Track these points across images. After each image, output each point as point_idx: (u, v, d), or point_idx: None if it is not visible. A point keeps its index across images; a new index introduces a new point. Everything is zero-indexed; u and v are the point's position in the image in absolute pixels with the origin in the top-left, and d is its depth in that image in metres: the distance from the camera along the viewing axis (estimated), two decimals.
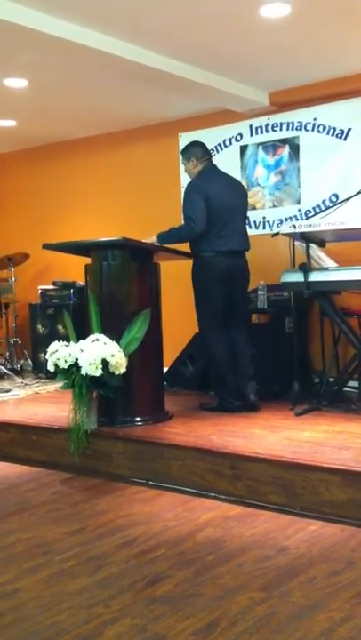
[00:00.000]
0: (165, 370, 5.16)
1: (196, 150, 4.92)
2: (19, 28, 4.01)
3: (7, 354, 6.88)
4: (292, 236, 4.87)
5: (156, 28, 4.36)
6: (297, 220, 5.82)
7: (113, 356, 4.11)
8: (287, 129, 5.96)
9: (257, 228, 6.14)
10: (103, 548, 3.00)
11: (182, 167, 5.14)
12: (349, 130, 5.62)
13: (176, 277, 5.79)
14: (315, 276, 4.43)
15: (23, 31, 4.07)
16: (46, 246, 4.83)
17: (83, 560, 2.87)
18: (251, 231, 6.14)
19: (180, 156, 5.07)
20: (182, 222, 4.78)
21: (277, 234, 5.14)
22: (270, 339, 5.33)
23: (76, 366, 4.11)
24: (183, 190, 6.49)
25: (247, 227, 5.05)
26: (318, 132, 5.79)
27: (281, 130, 5.99)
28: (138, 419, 4.44)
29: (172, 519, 3.34)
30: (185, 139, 6.50)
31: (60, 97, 5.81)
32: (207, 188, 4.70)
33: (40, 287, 6.99)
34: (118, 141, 6.98)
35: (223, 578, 2.66)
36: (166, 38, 4.55)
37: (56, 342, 4.26)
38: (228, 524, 3.25)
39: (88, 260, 4.71)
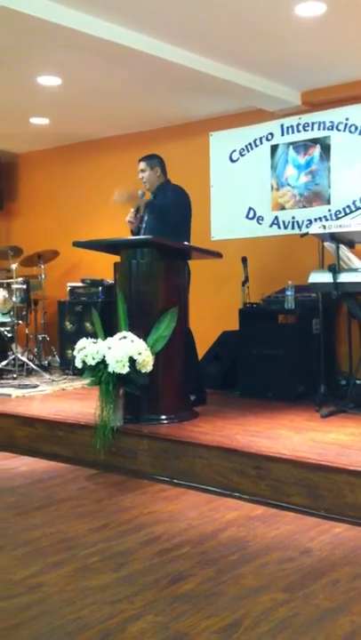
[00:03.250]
0: None
1: (163, 164, 5.06)
2: (55, 26, 4.06)
3: (35, 350, 6.94)
4: (322, 237, 4.84)
5: (190, 27, 4.37)
6: (327, 220, 5.78)
7: (140, 353, 4.13)
8: (318, 129, 5.93)
9: (286, 228, 6.12)
10: (127, 544, 3.01)
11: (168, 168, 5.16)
12: None
13: (203, 277, 5.80)
14: (344, 277, 4.40)
15: (59, 30, 4.11)
16: (76, 244, 4.87)
17: (106, 556, 2.89)
18: (279, 231, 6.16)
19: (146, 161, 5.07)
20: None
21: (307, 234, 5.11)
22: (297, 339, 5.31)
23: (103, 363, 4.14)
24: (212, 189, 6.52)
25: (276, 227, 5.05)
26: (350, 132, 5.75)
27: (312, 130, 5.96)
28: (163, 417, 4.45)
29: (196, 518, 3.35)
30: (216, 138, 6.53)
31: (93, 96, 5.85)
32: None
33: (69, 284, 7.04)
34: (149, 140, 6.99)
35: (246, 578, 2.66)
36: (200, 37, 4.55)
37: (84, 339, 4.29)
38: (251, 524, 3.25)
39: (117, 259, 4.73)
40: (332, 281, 4.41)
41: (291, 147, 6.09)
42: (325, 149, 5.89)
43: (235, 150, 6.40)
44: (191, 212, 5.00)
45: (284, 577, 2.67)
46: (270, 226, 6.20)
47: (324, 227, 4.64)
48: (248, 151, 6.33)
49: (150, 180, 5.05)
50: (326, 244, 5.01)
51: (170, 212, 4.83)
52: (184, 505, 3.56)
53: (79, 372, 4.52)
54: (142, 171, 5.07)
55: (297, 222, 6.06)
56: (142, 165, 5.07)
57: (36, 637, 2.25)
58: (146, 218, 5.07)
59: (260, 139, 6.26)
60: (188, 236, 4.92)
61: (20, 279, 6.63)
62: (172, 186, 5.06)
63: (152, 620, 2.33)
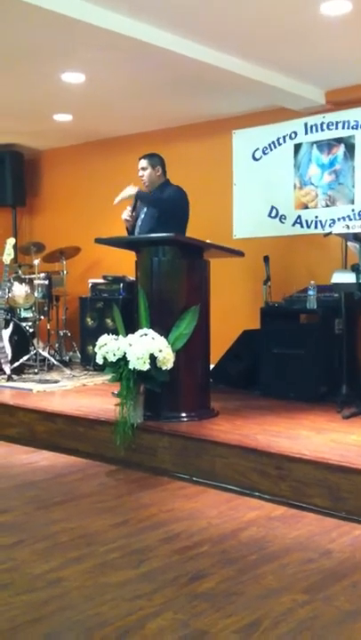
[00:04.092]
0: (211, 367, 5.16)
1: (164, 164, 5.09)
2: (81, 23, 4.05)
3: (56, 345, 6.97)
4: (345, 237, 4.81)
5: (215, 25, 4.35)
6: (350, 219, 5.74)
7: (161, 351, 4.13)
8: (343, 128, 5.87)
9: (309, 227, 6.08)
10: (146, 541, 3.02)
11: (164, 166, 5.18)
12: None
13: (225, 275, 5.79)
14: None
15: (85, 27, 4.10)
16: (98, 241, 4.89)
17: (126, 552, 2.89)
18: (303, 230, 6.12)
19: (147, 159, 5.10)
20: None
21: (330, 234, 5.08)
22: (319, 340, 5.28)
23: (124, 360, 4.15)
24: (234, 188, 6.50)
25: (299, 226, 5.00)
26: None
27: (336, 129, 5.91)
28: (183, 414, 4.45)
29: (216, 517, 3.34)
30: (238, 136, 6.50)
31: (116, 93, 5.85)
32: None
33: (90, 281, 7.06)
34: (172, 138, 6.99)
35: (266, 578, 2.65)
36: (225, 36, 4.53)
37: (105, 336, 4.30)
38: (271, 525, 3.24)
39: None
40: (355, 281, 4.38)
41: (314, 145, 6.05)
42: (350, 149, 5.84)
43: (258, 149, 6.37)
44: (189, 212, 5.02)
45: (305, 578, 2.65)
46: (293, 225, 6.16)
47: (348, 226, 4.61)
48: (271, 150, 6.30)
49: (150, 179, 5.07)
50: (350, 243, 4.98)
51: (169, 209, 4.85)
52: (204, 503, 3.55)
53: (100, 368, 4.53)
54: (143, 169, 5.08)
55: (320, 221, 6.02)
56: (143, 163, 5.08)
57: (55, 632, 2.26)
58: (142, 215, 5.07)
59: (284, 137, 6.22)
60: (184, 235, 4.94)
61: (42, 275, 6.66)
62: (172, 185, 5.07)
63: (171, 618, 2.33)
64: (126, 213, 5.08)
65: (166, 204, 4.94)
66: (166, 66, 4.97)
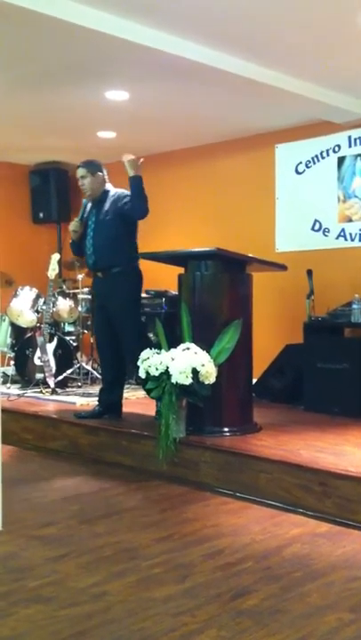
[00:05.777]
0: (254, 381, 5.14)
1: (103, 169, 5.03)
2: (125, 42, 4.12)
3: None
4: None
5: (256, 39, 4.37)
6: None
7: (203, 365, 4.13)
8: None
9: (353, 240, 6.02)
10: (190, 556, 3.00)
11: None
12: None
13: (267, 289, 5.77)
14: None
15: (129, 46, 4.18)
16: (144, 256, 4.93)
17: (170, 567, 2.88)
18: (347, 243, 6.07)
19: (86, 167, 4.95)
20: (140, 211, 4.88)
21: None
22: None
23: (166, 374, 4.16)
24: (277, 201, 6.48)
25: (343, 239, 4.95)
26: None
27: None
28: (226, 429, 4.43)
29: (259, 533, 3.31)
30: (281, 150, 6.50)
31: (159, 109, 5.91)
32: None
33: None
34: (214, 153, 7.03)
35: (311, 596, 2.61)
36: (266, 50, 4.55)
37: (148, 350, 4.32)
38: (316, 542, 3.19)
39: (181, 270, 4.75)
40: None
41: (358, 158, 6.00)
42: None
43: (301, 162, 6.35)
44: None
45: (351, 596, 2.60)
46: (337, 238, 6.11)
47: None
48: (314, 163, 6.27)
49: (92, 186, 4.94)
50: None
51: (136, 211, 4.82)
52: (247, 519, 3.53)
53: (142, 382, 4.56)
54: (82, 177, 4.92)
55: None
56: (82, 172, 4.93)
57: None
58: (92, 225, 4.95)
59: (327, 150, 6.19)
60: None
61: (85, 289, 6.74)
62: (119, 189, 4.97)
63: (215, 635, 2.31)
64: (74, 225, 5.01)
65: (130, 209, 4.85)
66: (208, 82, 5.01)
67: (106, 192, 5.01)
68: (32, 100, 5.65)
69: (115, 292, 4.87)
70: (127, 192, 4.92)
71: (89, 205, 5.10)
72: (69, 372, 6.39)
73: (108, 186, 5.06)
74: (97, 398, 5.19)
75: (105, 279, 4.96)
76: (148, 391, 4.34)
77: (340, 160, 6.11)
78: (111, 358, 5.02)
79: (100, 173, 4.99)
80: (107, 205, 4.94)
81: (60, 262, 6.59)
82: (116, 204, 4.91)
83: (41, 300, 6.62)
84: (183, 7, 3.91)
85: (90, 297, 6.78)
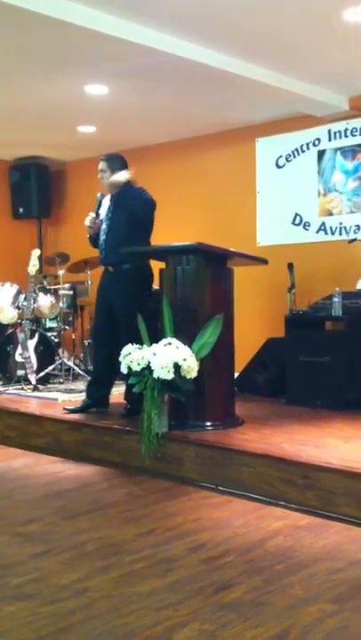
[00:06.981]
0: (236, 375, 5.14)
1: (126, 166, 4.88)
2: (103, 36, 4.10)
3: (82, 355, 7.00)
4: None
5: (236, 33, 4.37)
6: None
7: (185, 360, 4.12)
8: None
9: (333, 234, 6.05)
10: (173, 551, 3.00)
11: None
12: None
13: (249, 283, 5.78)
14: None
15: (107, 39, 4.15)
16: (123, 251, 4.89)
17: (153, 562, 2.88)
18: (327, 237, 6.09)
19: (107, 162, 4.87)
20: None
21: (355, 240, 5.06)
22: (345, 347, 5.23)
23: (148, 369, 4.15)
24: (258, 195, 6.49)
25: (323, 232, 4.96)
26: None
27: (360, 134, 5.88)
28: (208, 423, 4.44)
29: (242, 526, 3.32)
30: (262, 144, 6.50)
31: (138, 103, 5.89)
32: None
33: None
34: (194, 147, 7.02)
35: (294, 588, 2.62)
36: (246, 43, 4.54)
37: (129, 345, 4.31)
38: (298, 534, 3.20)
39: (162, 265, 4.74)
40: None
41: (338, 152, 6.02)
42: None
43: (281, 156, 6.37)
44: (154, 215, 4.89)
45: (333, 588, 2.62)
46: (317, 232, 6.14)
47: None
48: (295, 157, 6.29)
49: (110, 183, 4.86)
50: None
51: (140, 212, 4.77)
52: (230, 513, 3.53)
53: (124, 378, 4.55)
54: (102, 171, 4.86)
55: (345, 228, 5.98)
56: (103, 166, 4.86)
57: None
58: (107, 221, 4.93)
59: (307, 144, 6.21)
60: (149, 238, 4.93)
61: (66, 285, 6.71)
62: (138, 187, 4.89)
63: (198, 629, 2.31)
64: (89, 220, 4.99)
65: (139, 208, 4.80)
66: (189, 76, 5.00)
67: (126, 188, 4.87)
68: (10, 94, 5.60)
69: (122, 287, 4.84)
70: (141, 192, 4.86)
71: (105, 199, 5.03)
72: (51, 368, 6.36)
73: (130, 183, 4.90)
74: (80, 395, 5.15)
75: (114, 274, 4.93)
76: (131, 386, 4.33)
77: (321, 154, 6.13)
78: (105, 356, 4.95)
79: (121, 170, 4.84)
80: (124, 202, 4.85)
81: (40, 258, 6.55)
82: (132, 201, 4.83)
83: (22, 297, 6.58)
84: (160, 0, 3.89)
85: (71, 292, 6.76)
